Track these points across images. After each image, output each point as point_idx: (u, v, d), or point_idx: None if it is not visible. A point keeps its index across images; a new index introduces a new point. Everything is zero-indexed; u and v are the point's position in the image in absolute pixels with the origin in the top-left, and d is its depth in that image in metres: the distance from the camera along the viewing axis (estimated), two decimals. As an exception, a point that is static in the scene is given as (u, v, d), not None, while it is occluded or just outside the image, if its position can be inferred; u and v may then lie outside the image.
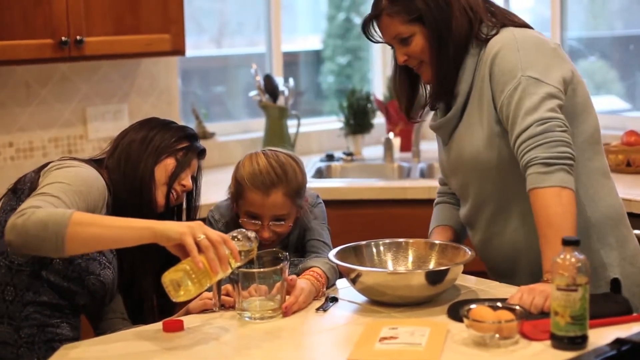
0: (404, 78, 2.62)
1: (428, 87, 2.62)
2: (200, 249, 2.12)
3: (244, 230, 2.31)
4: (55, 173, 2.32)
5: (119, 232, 2.14)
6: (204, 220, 2.69)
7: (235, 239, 2.24)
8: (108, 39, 3.74)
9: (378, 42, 2.58)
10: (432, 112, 2.68)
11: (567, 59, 2.50)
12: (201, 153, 2.65)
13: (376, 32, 2.55)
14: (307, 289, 2.40)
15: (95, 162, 2.49)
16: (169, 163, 2.53)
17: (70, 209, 2.16)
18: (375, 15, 2.53)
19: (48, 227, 2.08)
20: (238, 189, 2.64)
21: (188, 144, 2.59)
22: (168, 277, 2.12)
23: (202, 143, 4.55)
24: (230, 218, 2.71)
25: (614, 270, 2.47)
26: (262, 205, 2.59)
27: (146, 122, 2.61)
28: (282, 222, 2.62)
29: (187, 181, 2.57)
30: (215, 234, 2.15)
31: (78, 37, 3.61)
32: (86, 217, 2.14)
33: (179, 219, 2.66)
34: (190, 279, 2.11)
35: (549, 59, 2.43)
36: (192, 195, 2.65)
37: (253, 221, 2.61)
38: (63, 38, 3.59)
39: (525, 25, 2.54)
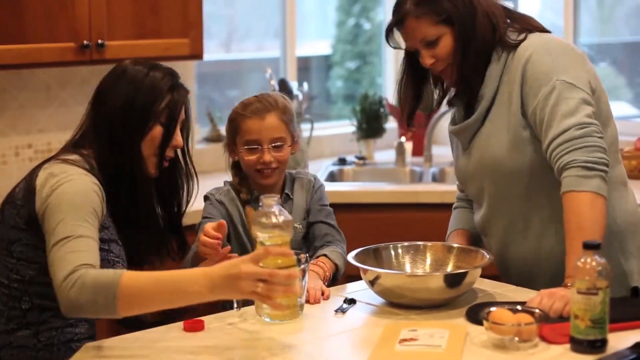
0: (411, 87, 2.62)
1: (436, 92, 2.64)
2: (264, 295, 2.10)
3: (264, 214, 2.24)
4: (56, 202, 2.25)
5: (172, 299, 2.14)
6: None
7: (267, 230, 2.20)
8: (129, 42, 3.78)
9: (399, 48, 2.58)
10: (447, 117, 2.69)
11: (592, 66, 2.50)
12: (185, 95, 2.47)
13: (397, 37, 2.54)
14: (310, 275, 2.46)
15: (76, 149, 2.41)
16: (156, 133, 2.41)
17: (115, 275, 2.12)
18: (399, 20, 2.50)
19: (99, 303, 2.10)
20: (233, 126, 2.73)
21: (170, 97, 2.42)
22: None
23: (216, 148, 4.59)
24: (226, 190, 2.77)
25: (635, 278, 2.48)
26: (260, 129, 2.68)
27: (118, 78, 2.43)
28: (281, 147, 2.69)
29: (178, 139, 2.47)
30: (263, 272, 2.08)
31: (100, 41, 3.65)
32: (133, 287, 2.12)
33: (174, 175, 2.55)
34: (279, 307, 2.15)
35: (578, 66, 2.43)
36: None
37: (254, 147, 2.68)
38: (85, 42, 3.62)
39: (547, 30, 2.55)
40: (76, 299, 2.10)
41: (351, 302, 2.45)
